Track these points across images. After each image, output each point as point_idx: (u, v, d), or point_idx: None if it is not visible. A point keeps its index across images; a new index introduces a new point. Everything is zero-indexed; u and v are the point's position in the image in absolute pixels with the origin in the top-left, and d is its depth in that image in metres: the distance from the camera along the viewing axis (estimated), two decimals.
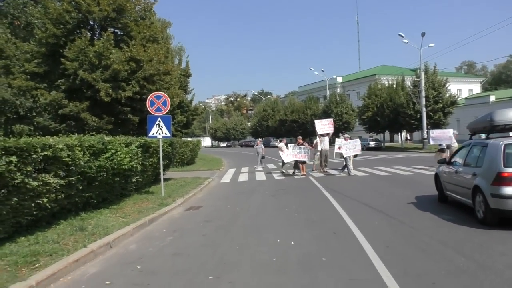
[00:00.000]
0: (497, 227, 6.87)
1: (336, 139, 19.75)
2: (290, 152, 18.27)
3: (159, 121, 12.05)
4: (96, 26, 16.06)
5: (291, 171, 18.67)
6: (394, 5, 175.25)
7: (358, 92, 61.92)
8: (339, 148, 18.07)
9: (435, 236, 6.58)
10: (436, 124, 38.47)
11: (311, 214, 9.13)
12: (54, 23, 14.73)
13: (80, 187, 8.71)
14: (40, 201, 7.13)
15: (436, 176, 10.13)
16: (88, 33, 15.65)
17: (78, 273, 5.59)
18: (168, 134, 12.32)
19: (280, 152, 19.32)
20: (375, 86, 48.40)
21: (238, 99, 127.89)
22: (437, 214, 8.25)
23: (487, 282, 4.52)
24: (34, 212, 7.15)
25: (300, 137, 20.13)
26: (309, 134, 53.98)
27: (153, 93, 12.55)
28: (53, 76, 15.22)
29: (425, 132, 36.75)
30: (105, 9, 14.78)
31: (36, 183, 6.82)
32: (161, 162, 12.83)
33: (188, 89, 28.92)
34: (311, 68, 61.06)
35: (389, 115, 42.33)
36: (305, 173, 17.77)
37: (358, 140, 19.09)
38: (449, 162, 9.43)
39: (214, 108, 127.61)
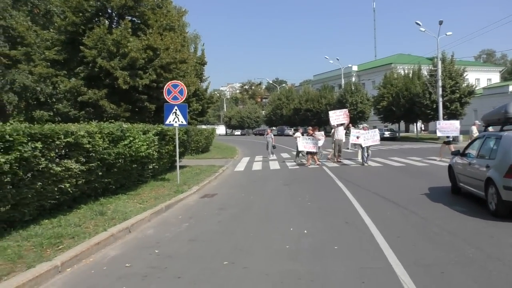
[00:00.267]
0: (509, 219, 6.92)
1: (352, 130, 19.72)
2: (300, 143, 18.25)
3: (176, 110, 12.25)
4: (114, 14, 16.29)
5: (304, 161, 18.74)
6: None
7: (374, 81, 61.30)
8: (357, 138, 18.02)
9: (446, 227, 6.67)
10: (452, 114, 37.97)
11: (324, 203, 9.28)
12: (73, 11, 15.01)
13: (100, 173, 9.00)
14: (62, 186, 7.44)
15: (450, 167, 10.15)
16: (106, 21, 15.89)
17: (99, 255, 5.86)
18: (184, 123, 12.53)
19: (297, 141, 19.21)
20: (391, 75, 47.84)
21: (253, 87, 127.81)
22: (449, 206, 8.32)
23: (495, 272, 4.62)
24: (57, 196, 7.45)
25: (310, 127, 20.03)
26: (323, 123, 53.76)
27: (170, 82, 12.75)
28: (72, 64, 15.56)
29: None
30: None
31: (59, 168, 7.11)
32: (177, 150, 13.08)
33: (204, 77, 29.10)
34: (326, 57, 60.72)
35: (404, 104, 41.89)
36: (314, 163, 17.77)
37: (376, 130, 18.97)
38: (462, 154, 9.43)
39: (228, 96, 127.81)
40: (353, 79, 65.12)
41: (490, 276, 4.53)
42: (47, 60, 15.40)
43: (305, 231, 6.72)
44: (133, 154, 10.44)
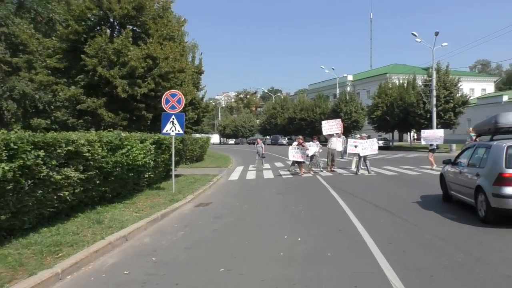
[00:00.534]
0: (497, 226, 7.13)
1: (349, 139, 19.97)
2: (289, 152, 18.40)
3: (173, 119, 12.42)
4: (115, 23, 16.53)
5: (298, 170, 18.79)
6: (408, 4, 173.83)
7: (368, 91, 61.86)
8: (355, 147, 18.26)
9: (437, 233, 6.86)
10: (446, 123, 38.47)
11: (317, 211, 9.44)
12: (76, 19, 15.25)
13: (97, 182, 9.11)
14: (62, 194, 7.54)
15: (441, 176, 10.37)
16: (108, 30, 16.14)
17: (98, 263, 5.97)
18: (181, 132, 12.69)
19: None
20: (386, 85, 48.40)
21: (248, 96, 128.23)
22: (441, 213, 8.52)
23: (482, 275, 4.82)
24: (56, 204, 7.55)
25: (300, 136, 20.21)
26: (317, 133, 53.93)
27: (168, 91, 12.94)
28: (72, 72, 15.74)
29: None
30: (125, 7, 15.24)
31: (59, 177, 7.23)
32: (173, 159, 13.21)
33: (200, 86, 29.31)
34: (322, 67, 60.86)
35: (398, 114, 42.34)
36: (300, 173, 17.90)
37: (375, 139, 19.26)
38: (454, 163, 9.65)
39: (223, 105, 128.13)
40: (348, 88, 65.65)
41: (478, 279, 4.71)
42: (48, 68, 15.57)
43: (299, 239, 6.87)
44: (130, 162, 10.57)
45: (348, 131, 48.03)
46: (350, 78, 72.79)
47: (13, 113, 18.63)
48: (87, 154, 8.38)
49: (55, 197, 7.37)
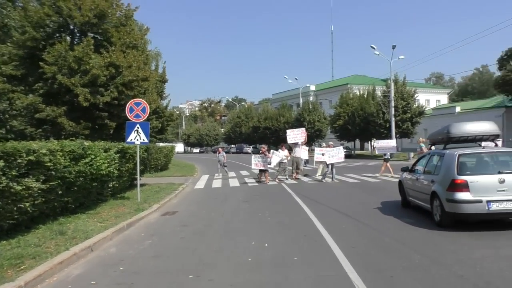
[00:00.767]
0: (451, 229, 7.58)
1: (316, 148, 20.52)
2: (252, 161, 18.74)
3: (138, 127, 12.32)
4: (76, 30, 16.16)
5: (281, 177, 18.96)
6: (368, 17, 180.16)
7: (331, 100, 63.38)
8: (322, 155, 18.74)
9: (396, 237, 7.22)
10: (404, 133, 40.10)
11: (283, 218, 9.64)
12: (34, 26, 14.77)
13: (60, 192, 8.89)
14: (22, 205, 7.32)
15: (400, 183, 10.87)
16: (68, 37, 15.74)
17: (62, 274, 5.85)
18: (146, 141, 12.60)
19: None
20: (347, 95, 49.88)
21: (212, 105, 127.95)
22: (399, 218, 8.94)
23: (438, 275, 5.15)
24: (15, 216, 7.32)
25: (263, 145, 20.71)
26: (282, 141, 54.53)
27: (132, 100, 12.82)
28: (30, 80, 15.22)
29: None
30: (87, 14, 14.93)
31: (19, 187, 7.03)
32: (138, 168, 13.07)
33: (164, 95, 29.03)
34: (285, 76, 62.07)
35: (359, 123, 43.68)
36: (265, 181, 18.24)
37: (341, 147, 19.94)
38: (411, 170, 10.16)
39: (187, 114, 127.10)
40: (311, 98, 67.01)
41: (433, 278, 5.04)
42: (4, 75, 14.97)
43: (266, 245, 7.02)
44: (94, 172, 10.38)
45: (312, 140, 49.05)
46: (312, 88, 74.38)
47: None
48: (48, 164, 8.18)
49: (15, 208, 7.15)
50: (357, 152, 50.36)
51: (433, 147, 10.07)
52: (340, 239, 7.11)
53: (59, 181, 8.77)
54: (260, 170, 18.66)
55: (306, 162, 24.17)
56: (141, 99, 13.26)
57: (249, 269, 5.71)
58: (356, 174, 21.01)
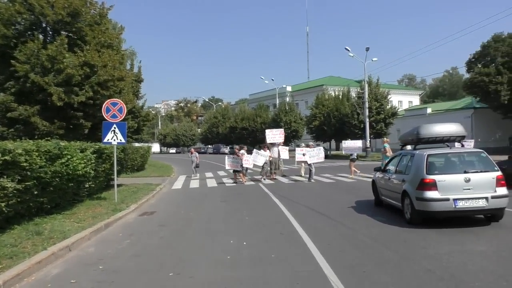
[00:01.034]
0: (421, 226, 7.95)
1: (297, 148, 20.86)
2: (226, 161, 19.02)
3: (114, 128, 12.26)
4: (49, 29, 15.88)
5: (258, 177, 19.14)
6: (343, 20, 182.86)
7: (307, 101, 64.09)
8: (303, 155, 19.06)
9: (369, 234, 7.52)
10: (378, 133, 41.02)
11: (260, 217, 9.83)
12: (4, 23, 14.45)
13: (35, 192, 8.80)
14: None
15: (373, 182, 11.24)
16: (40, 35, 15.45)
17: (41, 274, 5.86)
18: (123, 141, 12.55)
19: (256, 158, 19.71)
20: (323, 96, 50.59)
21: (189, 105, 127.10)
22: (372, 216, 9.28)
23: (408, 269, 5.45)
24: None
25: (237, 146, 21.09)
26: (258, 142, 55.01)
27: (109, 100, 12.74)
28: (1, 78, 14.88)
29: (368, 141, 39.15)
30: (60, 12, 14.72)
31: None
32: (115, 168, 13.00)
33: (140, 95, 28.76)
34: (262, 77, 62.25)
35: (335, 124, 44.42)
36: (242, 181, 18.50)
37: (321, 148, 20.36)
38: (383, 170, 10.53)
39: (163, 114, 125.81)
40: (287, 99, 67.59)
41: (403, 272, 5.33)
42: None
43: (244, 243, 7.19)
44: (70, 172, 10.30)
45: (288, 140, 49.49)
46: (289, 89, 75.00)
47: None
48: (24, 164, 8.11)
49: None
50: (333, 152, 51.13)
51: (408, 147, 10.43)
52: (315, 237, 7.36)
53: (35, 181, 8.69)
54: (234, 171, 18.91)
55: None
56: (117, 99, 13.19)
57: (228, 266, 5.87)
58: (332, 174, 21.43)
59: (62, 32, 15.40)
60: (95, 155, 12.23)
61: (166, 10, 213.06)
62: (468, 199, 7.73)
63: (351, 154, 21.10)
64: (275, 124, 48.76)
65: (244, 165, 18.85)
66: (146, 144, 40.22)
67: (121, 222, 9.94)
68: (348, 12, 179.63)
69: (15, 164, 7.79)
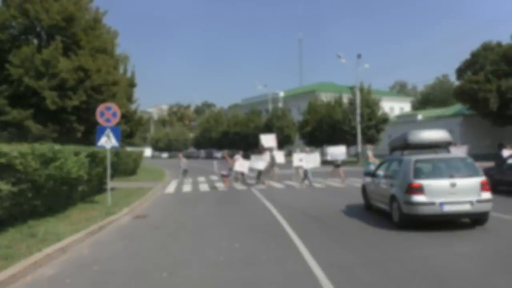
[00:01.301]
0: (408, 229, 8.17)
1: (294, 154, 21.13)
2: (214, 165, 19.46)
3: (108, 132, 12.38)
4: (43, 33, 16.01)
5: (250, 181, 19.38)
6: (335, 27, 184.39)
7: (299, 107, 64.54)
8: (300, 160, 19.34)
9: (358, 236, 7.74)
10: (369, 139, 41.44)
11: (252, 221, 10.01)
12: None
13: (29, 195, 8.88)
14: None
15: (363, 187, 11.47)
16: (35, 40, 15.59)
17: (36, 274, 5.95)
18: (117, 145, 12.66)
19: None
20: (315, 102, 51.03)
21: (181, 109, 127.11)
22: (362, 220, 9.50)
23: (394, 269, 5.66)
24: None
25: (225, 151, 21.45)
26: (251, 147, 55.25)
27: (103, 104, 12.86)
28: None
29: (360, 147, 39.53)
30: (54, 17, 14.87)
31: None
32: (108, 172, 13.09)
33: (133, 99, 28.84)
34: (255, 82, 62.77)
35: (327, 130, 44.81)
36: (226, 185, 18.78)
37: (317, 153, 20.72)
38: (373, 175, 10.77)
39: (156, 118, 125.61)
40: (280, 104, 67.98)
41: (389, 273, 5.52)
42: None
43: (237, 245, 7.35)
44: (64, 175, 10.38)
45: (281, 145, 49.69)
46: (281, 94, 75.39)
47: None
48: (19, 167, 8.19)
49: None
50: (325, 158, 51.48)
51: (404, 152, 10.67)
52: (306, 239, 7.54)
53: (29, 184, 8.77)
54: (222, 175, 19.20)
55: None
56: (111, 104, 13.32)
57: (221, 267, 6.03)
58: (323, 178, 21.66)
59: (56, 37, 15.56)
60: (88, 159, 12.31)
61: (158, 15, 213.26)
62: (454, 203, 7.98)
63: (336, 160, 21.42)
64: (267, 130, 49.03)
65: (238, 169, 19.10)
66: (139, 149, 40.23)
67: (115, 224, 10.04)
68: (342, 19, 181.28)
69: (10, 167, 7.87)
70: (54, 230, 8.40)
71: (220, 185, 19.67)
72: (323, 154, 30.57)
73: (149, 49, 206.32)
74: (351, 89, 46.10)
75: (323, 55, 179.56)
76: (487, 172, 12.10)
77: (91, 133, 14.18)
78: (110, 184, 13.85)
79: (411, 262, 5.95)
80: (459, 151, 16.00)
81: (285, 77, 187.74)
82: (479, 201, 8.02)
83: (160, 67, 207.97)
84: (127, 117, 26.73)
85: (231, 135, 65.07)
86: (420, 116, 52.21)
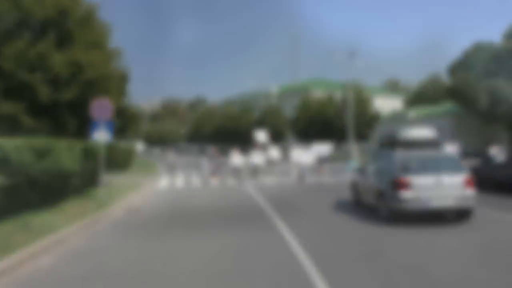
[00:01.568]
0: (395, 224, 8.41)
1: (293, 150, 21.51)
2: (204, 162, 19.92)
3: (102, 126, 12.48)
4: (37, 26, 15.96)
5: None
6: (329, 25, 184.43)
7: (292, 103, 64.74)
8: (299, 156, 19.72)
9: (348, 232, 8.00)
10: (361, 136, 41.85)
11: (246, 215, 10.25)
12: None
13: (24, 188, 8.99)
14: None
15: (352, 183, 11.72)
16: (28, 33, 15.54)
17: (33, 264, 6.11)
18: (110, 139, 12.79)
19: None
20: (308, 98, 51.28)
21: (174, 104, 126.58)
22: (351, 214, 9.77)
23: (382, 265, 5.87)
24: None
25: (214, 147, 21.97)
26: (244, 142, 55.38)
27: (97, 99, 12.94)
28: None
29: (351, 144, 39.89)
30: (48, 10, 14.84)
31: None
32: (102, 166, 13.21)
33: (126, 93, 28.83)
34: (248, 77, 62.87)
35: (319, 126, 45.12)
36: (212, 181, 19.15)
37: (314, 150, 21.04)
38: (362, 171, 11.01)
39: (148, 112, 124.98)
40: (273, 100, 68.08)
41: (378, 268, 5.73)
42: None
43: (230, 236, 7.57)
44: (58, 169, 10.50)
45: (274, 142, 49.92)
46: (275, 90, 75.50)
47: None
48: (14, 160, 8.29)
49: None
50: None
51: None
52: (297, 233, 7.76)
53: (24, 177, 8.87)
54: (212, 172, 19.64)
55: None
56: (105, 98, 13.40)
57: (215, 255, 6.30)
58: (314, 176, 21.87)
59: (50, 30, 15.51)
60: (82, 153, 12.42)
61: (150, 9, 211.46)
62: (440, 198, 8.24)
63: (321, 157, 21.83)
64: (261, 125, 49.21)
65: (235, 165, 19.50)
66: (132, 143, 40.22)
67: (109, 218, 10.19)
68: (337, 14, 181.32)
69: (5, 160, 7.98)
70: (50, 223, 8.54)
71: (211, 180, 19.85)
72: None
73: (141, 43, 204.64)
74: (344, 86, 46.41)
75: (317, 50, 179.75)
76: (474, 170, 12.40)
77: (84, 127, 14.22)
78: (104, 178, 13.98)
79: (396, 255, 6.22)
80: (452, 149, 16.41)
81: (279, 73, 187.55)
82: (463, 197, 8.31)
83: (154, 60, 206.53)
84: (120, 112, 26.75)
85: (224, 130, 65.09)
86: (411, 114, 52.62)
